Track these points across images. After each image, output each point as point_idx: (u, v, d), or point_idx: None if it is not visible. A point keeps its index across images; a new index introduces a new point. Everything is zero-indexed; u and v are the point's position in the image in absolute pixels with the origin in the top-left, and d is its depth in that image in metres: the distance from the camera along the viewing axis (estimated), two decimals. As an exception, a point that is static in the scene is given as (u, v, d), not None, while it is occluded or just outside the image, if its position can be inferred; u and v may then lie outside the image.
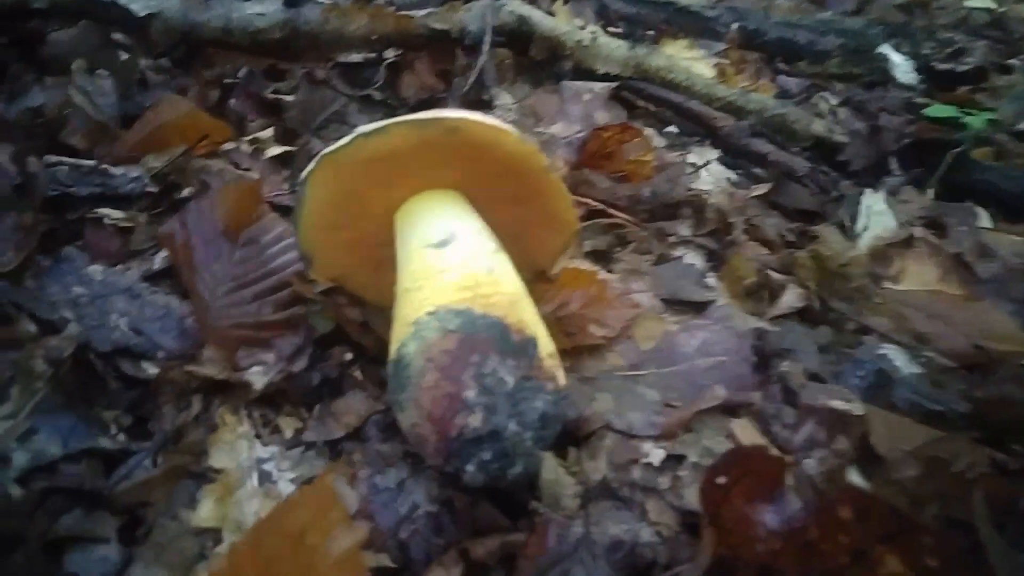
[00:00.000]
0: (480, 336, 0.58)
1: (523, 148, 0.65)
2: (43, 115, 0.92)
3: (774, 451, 0.62)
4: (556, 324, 0.75)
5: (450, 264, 0.63)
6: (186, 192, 0.88)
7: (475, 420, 0.55)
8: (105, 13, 1.11)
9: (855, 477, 0.60)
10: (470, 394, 0.55)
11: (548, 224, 0.74)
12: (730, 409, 0.76)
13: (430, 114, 0.63)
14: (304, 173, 0.65)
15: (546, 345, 0.62)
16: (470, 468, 0.56)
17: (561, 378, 0.62)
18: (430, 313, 0.59)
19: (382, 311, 0.75)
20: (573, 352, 0.76)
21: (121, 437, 0.65)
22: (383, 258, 0.72)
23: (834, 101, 1.70)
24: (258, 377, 0.71)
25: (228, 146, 1.00)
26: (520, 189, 0.70)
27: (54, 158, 0.86)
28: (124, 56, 1.11)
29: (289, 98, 1.13)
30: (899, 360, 0.88)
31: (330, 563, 0.46)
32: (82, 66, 0.98)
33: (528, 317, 0.62)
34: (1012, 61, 1.75)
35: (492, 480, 0.56)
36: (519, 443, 0.56)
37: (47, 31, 1.11)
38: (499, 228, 0.69)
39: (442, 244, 0.64)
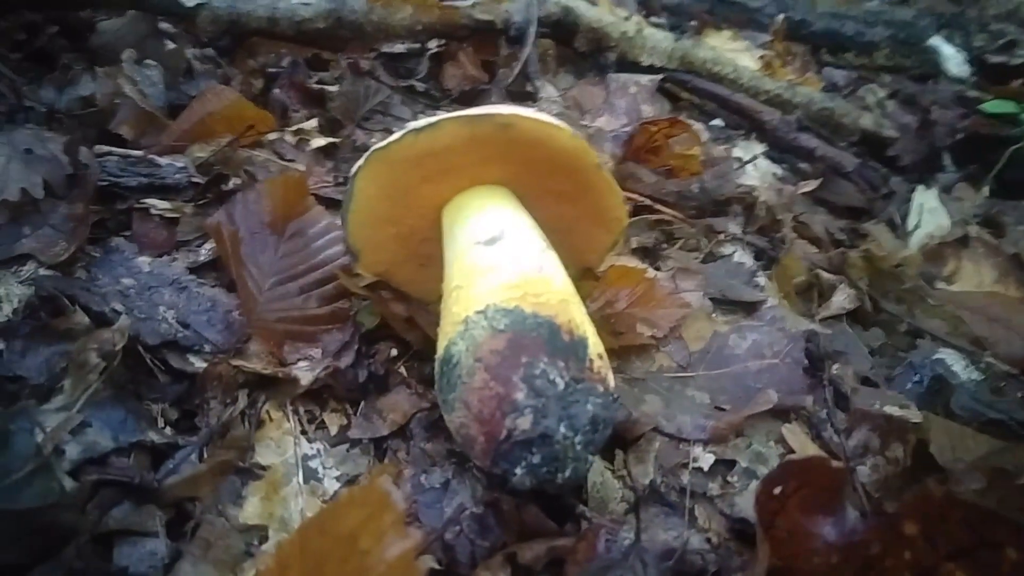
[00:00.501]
0: (530, 336, 0.57)
1: (575, 144, 0.64)
2: (93, 105, 0.93)
3: (834, 462, 0.60)
4: (603, 323, 0.73)
5: (499, 262, 0.62)
6: (232, 183, 0.88)
7: (524, 423, 0.54)
8: (153, 3, 1.12)
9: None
10: (520, 396, 0.54)
11: (597, 220, 0.73)
12: (781, 413, 0.74)
13: (482, 110, 0.62)
14: (354, 168, 0.64)
15: (596, 346, 0.61)
16: (519, 471, 0.54)
17: (611, 380, 0.61)
18: (479, 312, 0.58)
19: (427, 307, 0.74)
20: (621, 352, 0.75)
21: (168, 431, 0.65)
22: (429, 253, 0.71)
23: (882, 94, 1.65)
24: (304, 372, 0.70)
25: (272, 136, 0.99)
26: (570, 185, 0.69)
27: (103, 148, 0.86)
28: (171, 46, 1.12)
29: (333, 88, 1.13)
30: (956, 365, 0.85)
31: (384, 568, 0.45)
32: (131, 56, 0.98)
33: (578, 317, 0.61)
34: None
35: (541, 484, 0.55)
36: (569, 447, 0.54)
37: (96, 21, 1.11)
38: (547, 224, 0.68)
39: (491, 242, 0.63)
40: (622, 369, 0.74)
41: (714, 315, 0.82)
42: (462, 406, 0.56)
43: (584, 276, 0.77)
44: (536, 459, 0.54)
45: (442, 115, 0.61)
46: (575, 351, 0.58)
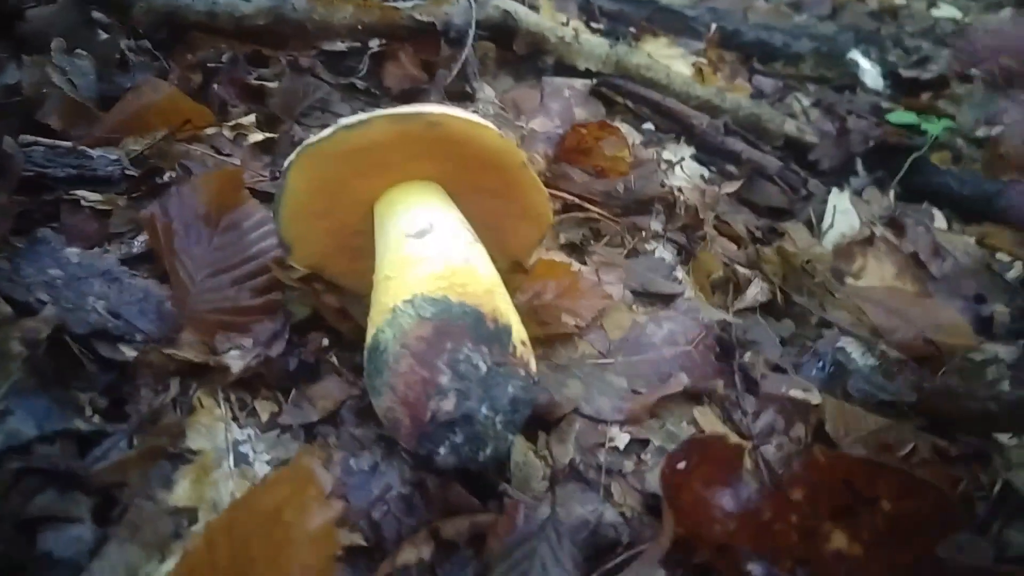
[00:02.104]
0: (455, 324, 0.60)
1: (502, 144, 0.67)
2: (19, 93, 0.91)
3: (733, 438, 0.65)
4: (531, 313, 0.77)
5: (427, 254, 0.64)
6: (167, 177, 0.88)
7: (448, 404, 0.57)
8: (86, -8, 1.10)
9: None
10: (443, 379, 0.57)
11: (524, 216, 0.76)
12: (694, 396, 0.79)
13: (412, 108, 0.64)
14: (286, 163, 0.66)
15: (519, 333, 0.64)
16: (443, 451, 0.57)
17: (533, 365, 0.64)
18: (407, 301, 0.61)
19: (359, 298, 0.76)
20: (546, 341, 0.78)
21: (96, 419, 0.66)
22: (361, 246, 0.73)
23: (806, 102, 1.75)
24: (235, 361, 0.72)
25: (210, 131, 1.00)
26: (497, 182, 0.72)
27: (30, 138, 0.85)
28: (104, 36, 1.10)
29: (272, 85, 1.13)
30: (855, 352, 0.92)
31: (305, 539, 0.48)
32: (61, 45, 0.97)
33: (503, 306, 0.64)
34: (973, 71, 1.82)
35: (464, 462, 0.58)
36: (490, 427, 0.57)
37: (25, 7, 1.09)
38: (476, 219, 0.71)
39: (420, 234, 0.66)
40: (547, 356, 0.78)
41: (634, 307, 0.86)
42: (389, 391, 0.59)
43: (513, 269, 0.81)
44: (459, 439, 0.57)
45: (373, 112, 0.63)
46: (499, 338, 0.61)
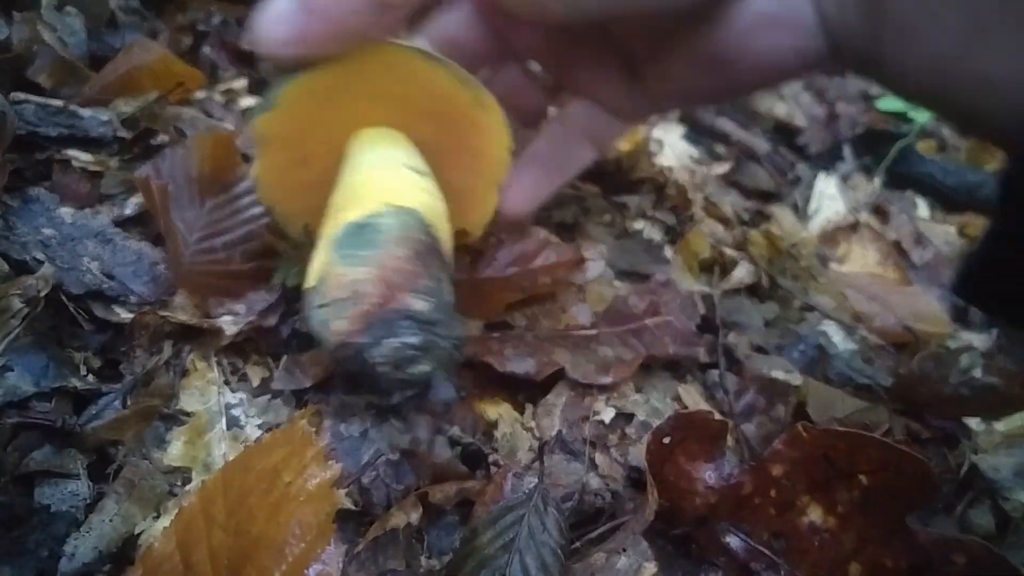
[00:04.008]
0: (438, 251, 0.60)
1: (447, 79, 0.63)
2: (9, 50, 0.90)
3: (717, 415, 0.67)
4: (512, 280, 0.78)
5: (427, 190, 0.64)
6: (159, 139, 0.88)
7: (423, 305, 0.55)
8: (73, -52, 1.08)
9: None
10: (429, 284, 0.56)
11: (478, 155, 0.71)
12: (678, 374, 0.81)
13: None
14: (252, 134, 0.64)
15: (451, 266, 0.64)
16: (384, 344, 0.54)
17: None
18: (411, 208, 0.59)
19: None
20: (528, 311, 0.79)
21: (91, 378, 0.67)
22: (315, 157, 0.69)
23: (797, 86, 1.76)
24: (228, 325, 0.72)
25: (201, 95, 0.99)
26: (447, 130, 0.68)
27: (21, 95, 0.84)
28: (93, -6, 1.08)
29: (262, 49, 1.12)
30: (836, 336, 0.94)
31: (304, 497, 0.49)
32: (51, 2, 0.95)
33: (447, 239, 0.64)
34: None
35: (398, 363, 0.54)
36: (439, 348, 0.56)
37: (13, -37, 1.07)
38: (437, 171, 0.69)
39: (419, 172, 0.65)
40: (532, 328, 0.79)
41: (615, 282, 0.88)
42: (375, 264, 0.56)
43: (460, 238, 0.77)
44: (414, 339, 0.54)
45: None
46: (452, 287, 0.60)
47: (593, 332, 0.79)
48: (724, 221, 1.15)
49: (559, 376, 0.75)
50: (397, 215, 0.58)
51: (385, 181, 0.62)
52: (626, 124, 0.77)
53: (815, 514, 0.57)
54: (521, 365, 0.73)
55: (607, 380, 0.74)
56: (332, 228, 0.60)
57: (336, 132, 0.69)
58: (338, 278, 0.56)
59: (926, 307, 1.02)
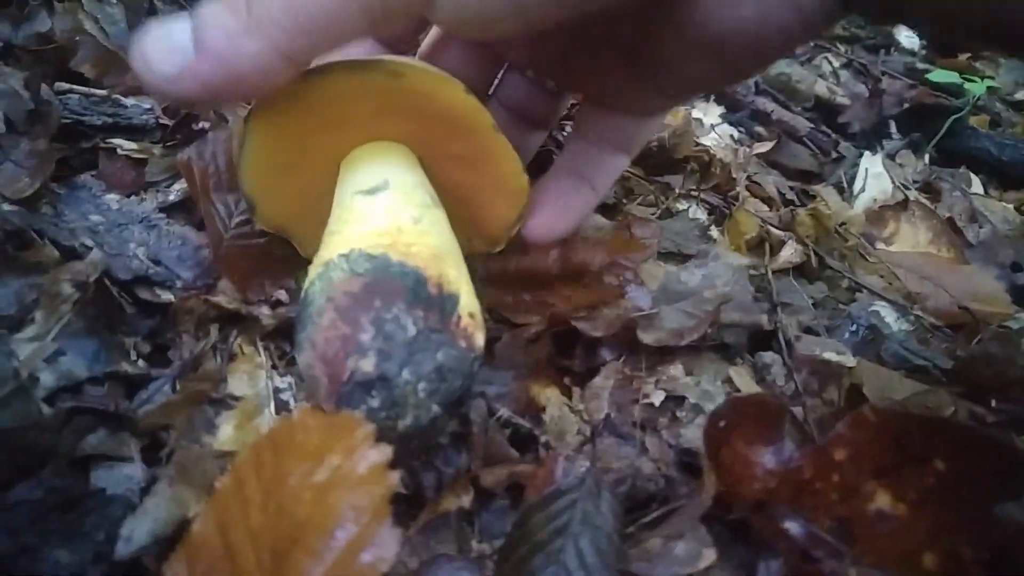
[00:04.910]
0: (390, 283, 0.54)
1: (467, 103, 0.60)
2: (52, 41, 0.91)
3: (773, 399, 0.65)
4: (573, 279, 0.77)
5: (374, 211, 0.60)
6: (201, 125, 0.88)
7: (367, 364, 0.52)
8: (111, -62, 1.08)
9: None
10: (365, 337, 0.52)
11: (499, 190, 0.70)
12: (728, 356, 0.79)
13: (372, 57, 0.59)
14: (247, 112, 0.62)
15: (468, 304, 0.58)
16: (361, 411, 0.52)
17: (479, 341, 0.58)
18: (342, 255, 0.56)
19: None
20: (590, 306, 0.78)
21: (141, 363, 0.67)
22: (327, 211, 0.67)
23: (837, 63, 1.71)
24: (267, 317, 0.72)
25: (239, 81, 0.99)
26: (467, 148, 0.66)
27: (64, 86, 0.85)
28: (131, -17, 1.09)
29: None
30: (889, 317, 0.92)
31: (355, 480, 0.48)
32: (91, -9, 0.96)
33: (452, 273, 0.58)
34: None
35: (382, 431, 0.51)
36: (411, 393, 0.52)
37: (53, -46, 1.08)
38: (449, 192, 0.66)
39: (372, 191, 0.61)
40: (590, 317, 0.77)
41: (660, 264, 0.86)
42: (309, 345, 0.54)
43: (483, 249, 0.77)
44: (375, 403, 0.52)
45: (334, 60, 0.58)
46: (441, 305, 0.56)
47: (653, 311, 0.77)
48: (768, 201, 1.12)
49: (607, 359, 0.73)
50: (323, 275, 0.56)
51: (333, 232, 0.60)
52: (643, 121, 0.74)
53: (883, 500, 0.55)
54: (594, 328, 0.73)
55: (680, 342, 0.73)
56: None
57: (329, 182, 0.66)
58: (299, 365, 0.56)
59: (984, 286, 0.98)
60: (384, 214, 0.59)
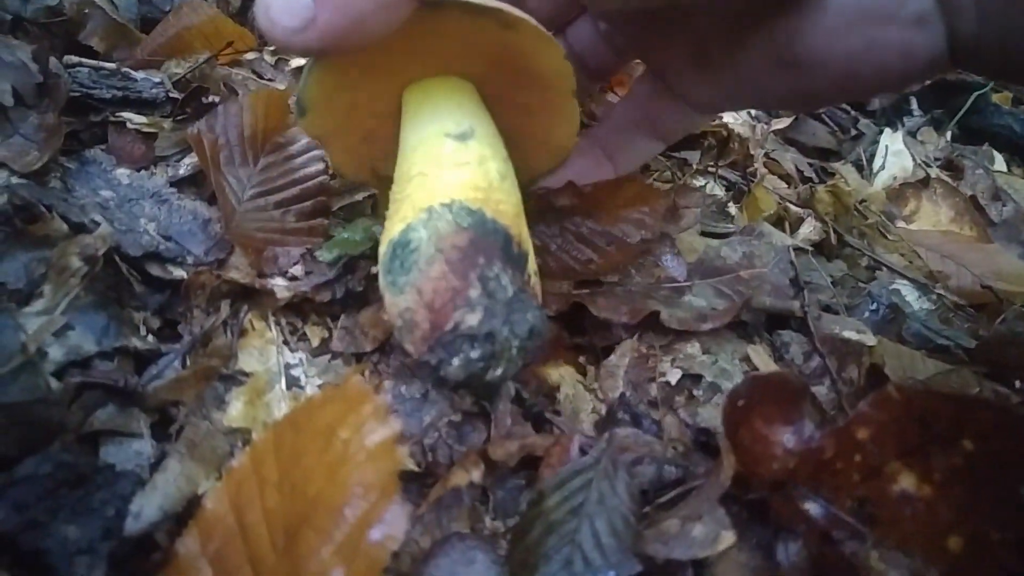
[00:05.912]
0: (489, 239, 0.57)
1: (562, 66, 0.63)
2: (61, 14, 0.90)
3: (794, 377, 0.64)
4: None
5: (469, 160, 0.61)
6: (211, 99, 0.87)
7: (473, 318, 0.54)
8: (119, -91, 1.06)
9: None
10: (473, 293, 0.55)
11: (546, 142, 0.72)
12: (746, 334, 0.78)
13: (488, 3, 0.57)
14: (297, 119, 0.63)
15: (532, 263, 0.61)
16: (455, 362, 0.55)
17: (540, 297, 0.61)
18: (444, 204, 0.57)
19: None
20: (621, 268, 0.77)
21: (151, 338, 0.66)
22: (374, 130, 0.70)
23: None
24: (281, 290, 0.71)
25: (251, 55, 0.97)
26: (538, 102, 0.68)
27: (74, 59, 0.84)
28: (139, -44, 1.07)
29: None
30: (910, 296, 0.90)
31: (364, 456, 0.47)
32: (98, -36, 0.95)
33: (525, 232, 0.61)
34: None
35: (471, 378, 0.55)
36: (507, 349, 0.55)
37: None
38: (501, 132, 0.67)
39: (462, 137, 0.62)
40: (623, 283, 0.76)
41: (701, 236, 0.84)
42: (414, 291, 0.56)
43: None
44: (475, 354, 0.55)
45: None
46: (521, 263, 0.59)
47: (686, 284, 0.75)
48: (786, 178, 1.10)
49: (622, 337, 0.72)
50: (428, 223, 0.57)
51: (424, 173, 0.60)
52: (695, 115, 0.71)
53: (907, 481, 0.54)
54: (615, 313, 0.71)
55: (704, 327, 0.71)
56: (384, 241, 0.59)
57: (384, 104, 0.67)
58: (390, 307, 0.58)
59: (1008, 265, 0.96)
60: (477, 165, 0.60)
